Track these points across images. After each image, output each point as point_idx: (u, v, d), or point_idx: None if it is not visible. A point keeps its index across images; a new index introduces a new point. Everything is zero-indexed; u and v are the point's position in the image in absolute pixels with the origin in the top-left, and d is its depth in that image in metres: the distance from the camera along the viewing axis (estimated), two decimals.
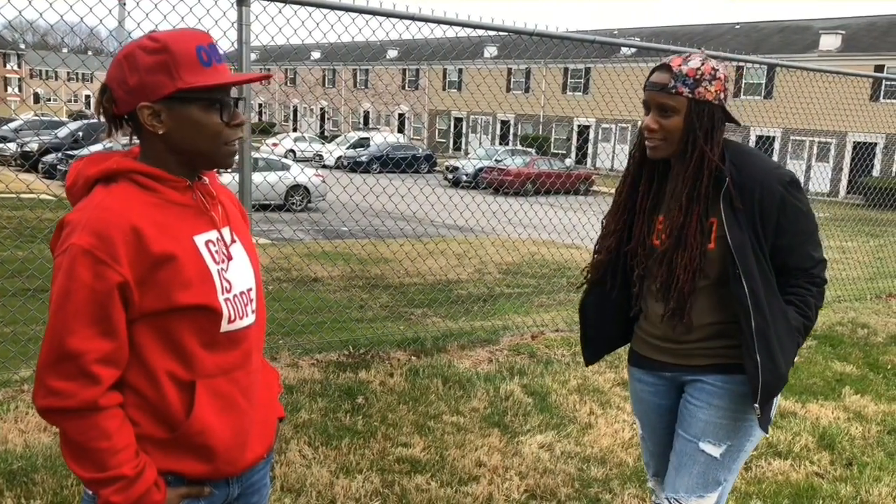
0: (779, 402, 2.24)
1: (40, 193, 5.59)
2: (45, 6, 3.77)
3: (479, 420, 4.12)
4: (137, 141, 1.47)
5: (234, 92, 1.51)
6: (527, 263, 10.50)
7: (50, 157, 19.00)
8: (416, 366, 4.86)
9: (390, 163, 24.89)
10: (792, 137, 29.59)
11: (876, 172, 29.52)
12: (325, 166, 26.97)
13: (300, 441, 3.69)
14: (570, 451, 3.79)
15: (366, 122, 50.55)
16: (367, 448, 3.68)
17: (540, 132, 41.27)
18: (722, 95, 2.02)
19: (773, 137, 28.98)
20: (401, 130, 47.54)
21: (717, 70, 2.01)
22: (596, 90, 35.19)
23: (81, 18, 3.86)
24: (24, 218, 10.32)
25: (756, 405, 2.00)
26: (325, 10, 4.32)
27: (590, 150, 38.42)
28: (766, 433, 2.15)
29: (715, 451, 2.12)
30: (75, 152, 16.89)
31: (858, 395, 4.86)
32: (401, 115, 49.74)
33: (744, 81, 32.38)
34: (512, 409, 4.29)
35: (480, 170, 23.90)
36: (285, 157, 23.17)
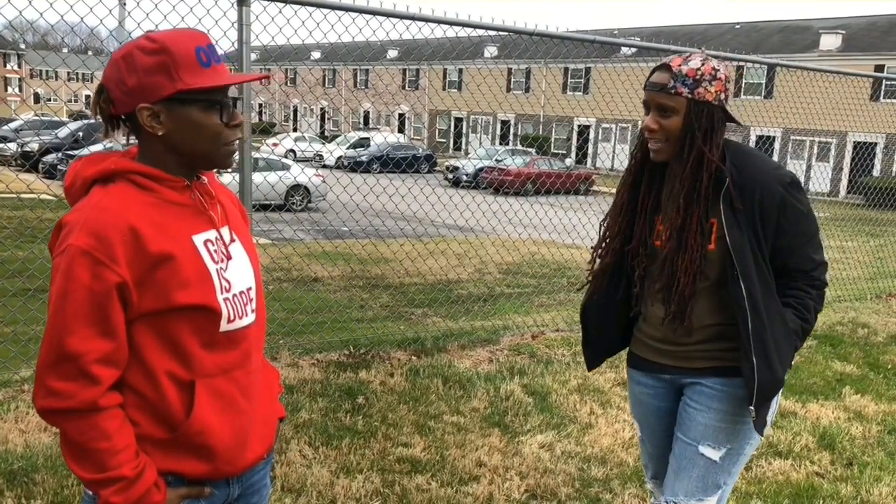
0: (778, 404, 2.23)
1: (41, 193, 5.60)
2: (46, 6, 3.77)
3: (480, 420, 4.12)
4: (136, 141, 1.47)
5: (232, 92, 1.51)
6: (527, 263, 10.50)
7: (50, 157, 19.01)
8: (417, 366, 4.86)
9: (390, 163, 24.88)
10: (792, 137, 29.57)
11: (876, 172, 29.51)
12: (325, 166, 26.95)
13: (300, 441, 3.69)
14: (571, 451, 3.79)
15: (366, 122, 50.55)
16: (368, 448, 3.68)
17: (540, 132, 41.27)
18: (722, 96, 2.01)
19: (774, 137, 28.95)
20: (401, 130, 47.53)
21: (718, 70, 1.99)
22: (596, 90, 35.18)
23: (82, 18, 3.86)
24: (25, 218, 10.32)
25: (751, 407, 1.99)
26: (325, 10, 4.32)
27: (590, 150, 38.42)
28: (762, 436, 2.14)
29: (714, 454, 2.11)
30: (76, 152, 16.89)
31: (859, 395, 4.86)
32: (401, 115, 49.74)
33: (744, 81, 32.37)
34: (512, 408, 4.29)
35: (481, 170, 23.89)
36: (285, 157, 23.15)
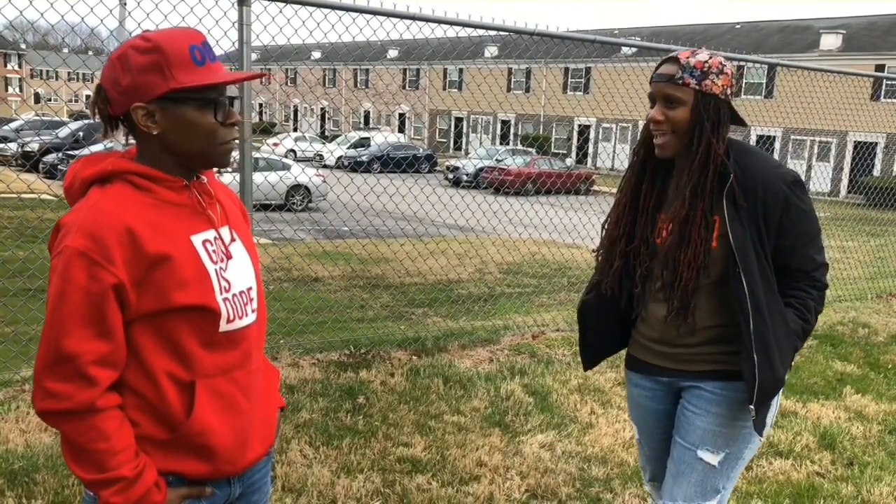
0: (779, 404, 2.22)
1: (41, 193, 5.60)
2: (47, 6, 3.77)
3: (480, 420, 4.12)
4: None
5: (231, 91, 1.50)
6: (527, 263, 10.50)
7: (51, 157, 19.01)
8: (417, 365, 4.86)
9: (391, 162, 24.92)
10: (792, 137, 29.56)
11: (876, 172, 29.49)
12: (325, 166, 26.98)
13: (301, 441, 3.69)
14: (571, 451, 3.79)
15: (366, 122, 50.55)
16: (368, 448, 3.68)
17: (540, 132, 41.26)
18: (729, 91, 2.00)
19: (774, 137, 28.95)
20: (401, 130, 47.52)
21: (725, 65, 1.99)
22: (596, 90, 35.20)
23: (82, 18, 3.86)
24: (26, 218, 10.32)
25: (751, 407, 1.97)
26: (325, 10, 4.32)
27: (590, 150, 38.43)
28: (762, 438, 2.12)
29: (713, 459, 2.09)
30: (76, 152, 16.90)
31: (859, 395, 4.85)
32: (401, 115, 49.74)
33: (744, 81, 32.34)
34: (513, 408, 4.29)
35: (481, 169, 23.87)
36: (286, 156, 23.15)
